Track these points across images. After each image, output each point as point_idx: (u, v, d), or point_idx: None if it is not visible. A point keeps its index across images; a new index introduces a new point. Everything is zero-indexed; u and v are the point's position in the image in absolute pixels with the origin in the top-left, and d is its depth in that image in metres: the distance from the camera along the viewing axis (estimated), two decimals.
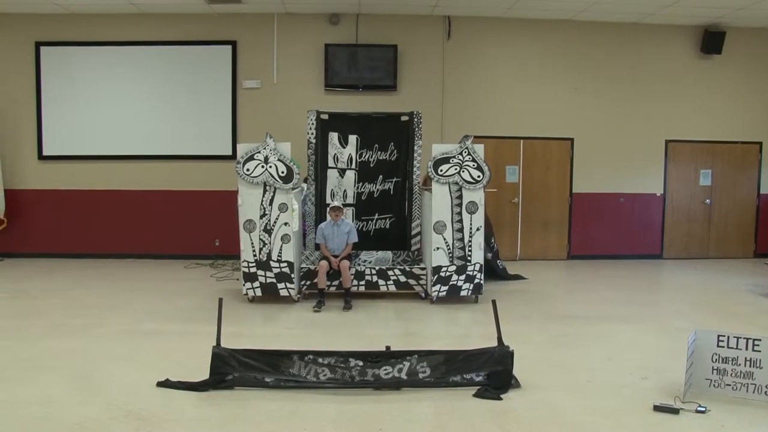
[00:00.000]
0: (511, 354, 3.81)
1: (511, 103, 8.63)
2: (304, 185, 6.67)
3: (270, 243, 5.91)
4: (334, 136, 6.75)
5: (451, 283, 5.98)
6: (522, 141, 8.70)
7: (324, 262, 5.93)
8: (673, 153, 8.89)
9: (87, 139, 8.40)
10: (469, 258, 5.97)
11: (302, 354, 3.80)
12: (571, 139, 8.75)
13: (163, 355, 4.37)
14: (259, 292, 5.97)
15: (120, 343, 4.62)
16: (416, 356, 3.80)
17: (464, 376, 3.77)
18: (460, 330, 5.24)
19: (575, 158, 8.76)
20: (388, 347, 3.90)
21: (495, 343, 3.86)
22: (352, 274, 6.00)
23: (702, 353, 3.64)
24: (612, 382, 3.90)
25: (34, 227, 8.45)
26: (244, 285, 5.98)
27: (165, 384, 3.73)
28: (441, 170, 5.92)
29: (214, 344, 3.79)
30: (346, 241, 6.10)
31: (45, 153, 8.41)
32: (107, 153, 8.41)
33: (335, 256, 6.01)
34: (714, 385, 3.63)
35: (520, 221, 8.80)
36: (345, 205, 6.73)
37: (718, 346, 3.62)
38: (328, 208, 6.27)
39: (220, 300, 3.86)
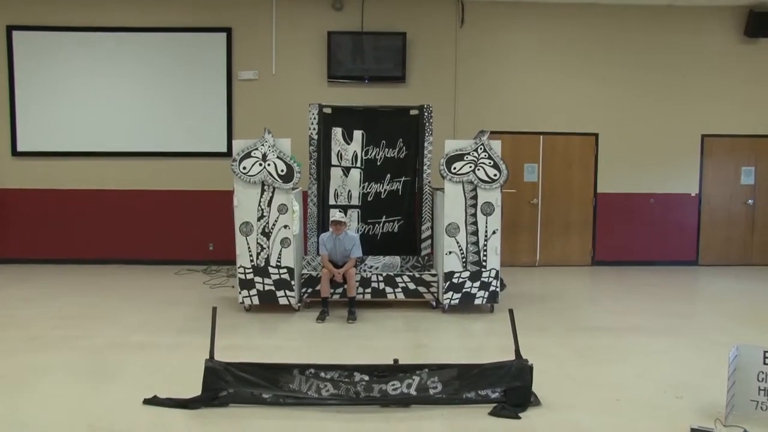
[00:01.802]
0: (531, 368, 3.79)
1: (530, 96, 8.63)
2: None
3: (268, 247, 5.93)
4: (337, 132, 6.77)
5: (464, 290, 5.98)
6: (542, 136, 8.69)
7: (326, 270, 5.94)
8: (711, 149, 8.84)
9: (67, 134, 8.45)
10: (484, 263, 5.97)
11: (303, 368, 3.81)
12: (596, 134, 8.73)
13: (151, 369, 4.38)
14: (256, 301, 5.99)
15: (104, 357, 4.64)
16: (427, 370, 3.80)
17: (479, 392, 3.77)
18: (474, 342, 5.23)
19: (600, 155, 8.74)
20: (396, 360, 3.90)
21: (512, 357, 3.85)
22: (357, 281, 6.01)
23: (746, 371, 3.58)
24: (643, 401, 3.87)
25: (9, 230, 8.52)
26: (240, 293, 6.00)
27: (153, 401, 3.75)
28: (454, 168, 5.93)
29: (207, 357, 3.80)
30: (349, 256, 6.04)
31: (20, 149, 8.47)
32: (89, 149, 8.47)
33: (337, 267, 5.99)
34: (762, 408, 3.56)
35: (539, 224, 8.78)
36: (349, 207, 6.76)
37: (764, 363, 3.56)
38: (330, 219, 6.27)
39: (214, 309, 3.87)
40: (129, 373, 4.30)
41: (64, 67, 8.38)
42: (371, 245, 6.65)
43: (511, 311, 3.90)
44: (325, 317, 5.77)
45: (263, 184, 5.90)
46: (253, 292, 5.98)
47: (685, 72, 8.68)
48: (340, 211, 6.44)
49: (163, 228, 8.54)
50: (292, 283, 5.95)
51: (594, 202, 8.80)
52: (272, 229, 5.92)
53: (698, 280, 8.07)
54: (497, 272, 6.02)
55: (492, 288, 6.01)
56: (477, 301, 6.02)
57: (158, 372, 4.32)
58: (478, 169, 5.93)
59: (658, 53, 8.66)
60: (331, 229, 6.05)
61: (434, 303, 6.22)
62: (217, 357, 3.82)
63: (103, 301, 6.46)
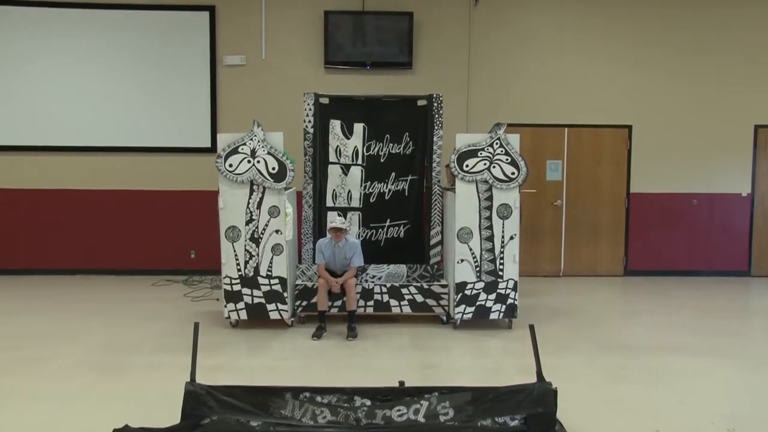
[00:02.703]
0: (554, 392, 3.79)
1: (553, 83, 8.65)
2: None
3: (258, 255, 5.95)
4: (336, 125, 6.80)
5: (478, 303, 6.00)
6: (567, 129, 8.71)
7: (323, 280, 5.97)
8: (766, 141, 8.81)
9: (26, 126, 8.45)
10: (500, 273, 5.99)
11: (297, 391, 3.82)
12: (629, 127, 8.74)
13: (123, 394, 4.40)
14: (244, 315, 6.02)
15: (70, 381, 4.66)
16: (437, 394, 3.80)
17: (496, 419, 3.76)
18: (490, 362, 5.23)
19: (634, 150, 8.75)
20: (401, 383, 3.90)
21: (534, 379, 3.84)
22: (357, 293, 6.03)
23: None
24: None
25: None
26: (225, 306, 6.02)
27: (124, 431, 3.75)
28: (467, 166, 5.95)
29: (188, 380, 3.81)
30: (348, 265, 6.09)
31: None
32: (50, 143, 8.48)
33: (336, 276, 6.04)
34: None
35: (564, 228, 8.79)
36: (349, 209, 6.79)
37: None
38: (328, 225, 6.31)
39: (196, 325, 3.87)
40: (97, 399, 4.30)
41: (22, 48, 8.38)
42: (374, 252, 6.67)
43: (531, 327, 3.89)
44: (322, 333, 5.78)
45: (252, 184, 5.92)
46: (241, 305, 5.99)
47: (735, 54, 8.65)
48: (339, 215, 6.48)
49: (138, 233, 8.58)
50: (285, 295, 5.97)
51: (627, 204, 8.80)
52: (262, 234, 5.94)
53: (750, 294, 8.04)
54: (515, 283, 6.02)
55: (510, 301, 6.03)
56: (493, 316, 6.04)
57: (131, 397, 4.33)
58: (494, 167, 5.95)
59: (702, 33, 8.64)
60: (329, 236, 6.07)
61: (444, 318, 6.24)
62: (199, 379, 3.82)
63: (68, 316, 6.49)
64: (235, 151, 5.94)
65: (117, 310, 6.76)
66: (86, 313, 6.62)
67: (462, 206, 5.97)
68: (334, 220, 6.09)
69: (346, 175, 6.83)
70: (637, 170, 8.77)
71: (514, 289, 6.03)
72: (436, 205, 6.71)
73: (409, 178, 6.87)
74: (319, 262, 6.08)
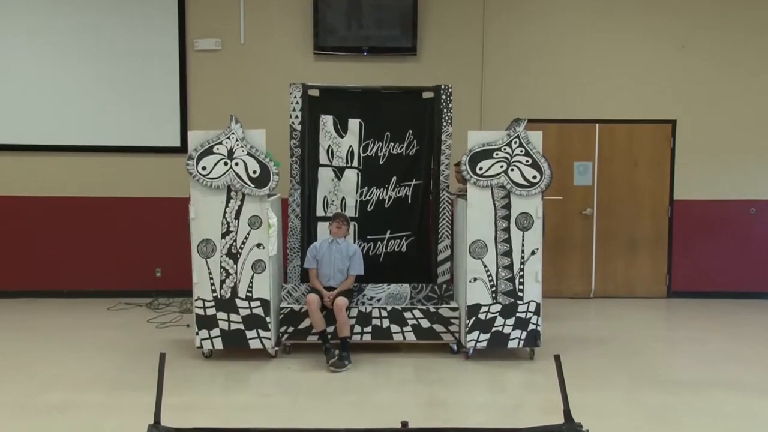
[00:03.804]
0: None
1: (583, 70, 8.67)
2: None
3: (236, 273, 5.95)
4: (328, 121, 6.82)
5: (494, 329, 5.99)
6: (598, 125, 8.73)
7: (312, 296, 5.97)
8: None
9: None
10: (520, 294, 5.98)
11: None
12: (673, 122, 8.75)
13: None
14: (219, 344, 6.01)
15: (11, 423, 4.62)
16: None
17: None
18: (508, 398, 5.22)
19: (678, 149, 8.76)
20: (405, 423, 3.88)
21: (560, 419, 3.82)
22: (351, 318, 6.03)
23: None
24: None
25: None
26: (197, 334, 6.01)
27: None
28: (480, 168, 5.96)
29: (152, 422, 3.79)
30: (347, 270, 6.15)
31: None
32: None
33: (329, 289, 6.05)
34: None
35: (594, 242, 8.80)
36: None
37: None
38: (330, 219, 6.38)
39: (162, 356, 3.84)
40: None
41: None
42: (372, 270, 6.66)
43: (557, 357, 3.85)
44: (334, 355, 5.79)
45: (229, 190, 5.93)
46: (215, 332, 5.98)
47: None
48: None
49: (92, 248, 8.57)
50: (268, 320, 5.97)
51: (670, 213, 8.81)
52: (241, 249, 5.94)
53: None
54: (538, 306, 6.01)
55: (531, 326, 6.01)
56: (511, 344, 6.02)
57: None
58: (512, 170, 5.95)
59: (762, 8, 8.59)
60: (329, 231, 6.15)
61: (455, 346, 6.24)
62: (165, 421, 3.79)
63: (7, 348, 6.45)
64: (209, 151, 5.94)
65: (67, 339, 6.73)
66: (30, 343, 6.59)
67: (475, 216, 5.97)
68: (330, 214, 6.13)
69: (339, 179, 6.84)
70: (682, 173, 8.77)
71: (537, 312, 6.02)
72: (444, 214, 6.71)
73: (413, 182, 6.88)
74: (311, 267, 6.08)
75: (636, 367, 5.94)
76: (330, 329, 6.03)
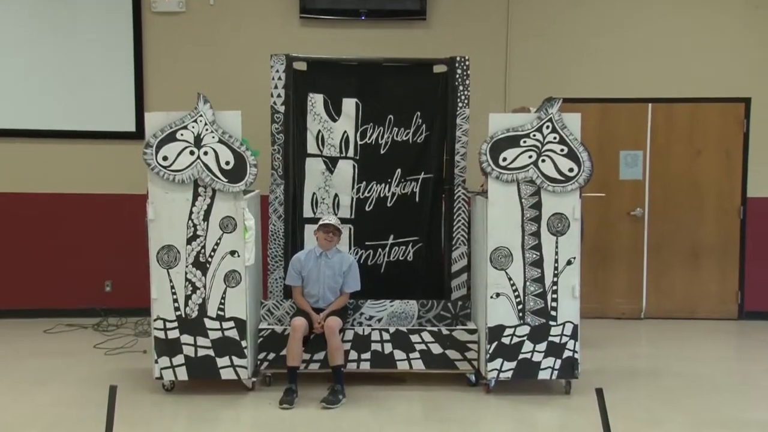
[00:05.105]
0: None
1: (630, 40, 8.66)
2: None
3: (205, 287, 5.94)
4: (317, 101, 6.80)
5: (521, 356, 5.99)
6: (650, 105, 8.74)
7: (299, 320, 5.93)
8: None
9: None
10: (553, 313, 5.97)
11: None
12: (746, 100, 8.74)
13: None
14: (183, 375, 6.00)
15: None
16: None
17: None
18: None
19: (753, 135, 8.75)
20: None
21: None
22: (346, 342, 6.02)
23: None
24: None
25: None
26: (156, 362, 6.00)
27: None
28: (504, 159, 5.94)
29: None
30: (340, 288, 6.11)
31: None
32: None
33: (318, 310, 6.02)
34: None
35: (646, 250, 8.81)
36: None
37: None
38: (316, 226, 6.34)
39: (113, 389, 3.84)
40: None
41: None
42: (372, 282, 6.63)
43: (600, 392, 3.85)
44: (293, 399, 5.75)
45: (197, 185, 5.92)
46: (179, 360, 5.97)
47: None
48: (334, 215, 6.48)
49: (25, 257, 8.57)
50: (244, 344, 5.96)
51: (742, 214, 8.81)
52: (211, 257, 5.94)
53: None
54: (575, 328, 5.99)
55: (567, 353, 5.99)
56: (543, 375, 6.01)
57: None
58: (544, 161, 5.93)
59: None
60: (316, 241, 6.15)
61: (473, 377, 6.24)
62: None
63: None
64: (171, 137, 5.93)
65: None
66: None
67: (497, 217, 5.95)
68: (328, 218, 6.13)
69: (331, 172, 6.82)
70: (758, 164, 8.75)
71: (574, 336, 6.00)
72: (459, 215, 6.71)
73: (422, 176, 6.86)
74: (294, 284, 6.07)
75: (698, 406, 5.91)
76: (319, 356, 6.01)
